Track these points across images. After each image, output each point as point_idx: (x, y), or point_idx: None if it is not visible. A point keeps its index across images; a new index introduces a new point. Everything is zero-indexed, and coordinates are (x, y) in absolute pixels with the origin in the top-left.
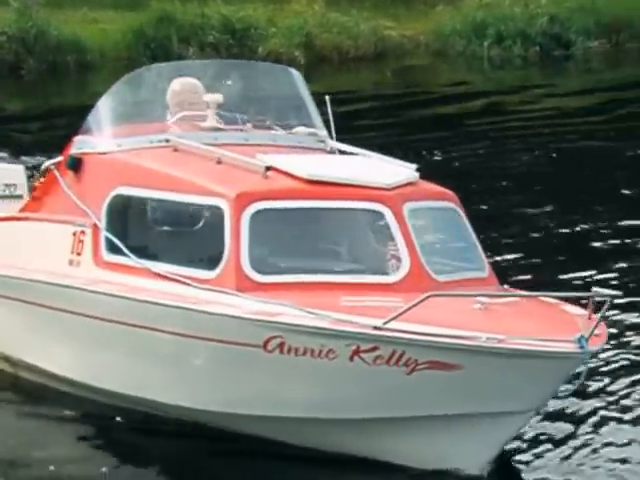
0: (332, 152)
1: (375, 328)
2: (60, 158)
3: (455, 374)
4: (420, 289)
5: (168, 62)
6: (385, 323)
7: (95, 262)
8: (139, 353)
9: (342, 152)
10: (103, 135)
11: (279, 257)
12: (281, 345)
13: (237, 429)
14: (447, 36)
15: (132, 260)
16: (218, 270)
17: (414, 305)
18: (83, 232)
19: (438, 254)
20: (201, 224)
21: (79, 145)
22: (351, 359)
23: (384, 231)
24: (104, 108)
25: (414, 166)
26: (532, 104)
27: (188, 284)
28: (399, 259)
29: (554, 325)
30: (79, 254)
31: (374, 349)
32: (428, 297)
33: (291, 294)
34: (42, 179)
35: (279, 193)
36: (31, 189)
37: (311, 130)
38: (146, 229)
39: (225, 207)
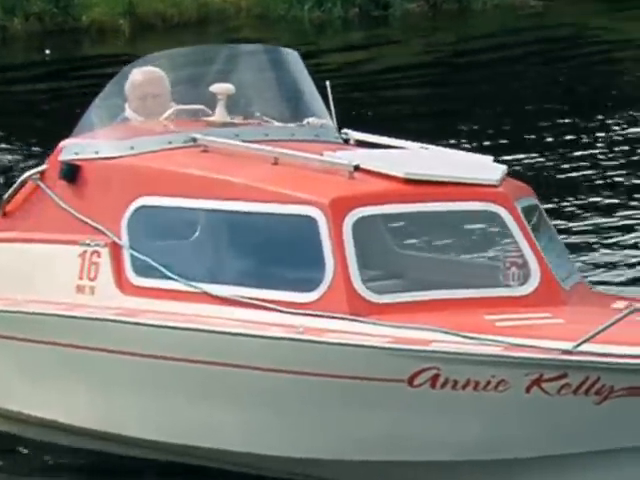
0: (351, 144)
1: (564, 352)
2: (43, 167)
3: None
4: (554, 301)
5: (161, 51)
6: (577, 346)
7: (120, 287)
8: (213, 396)
9: (360, 143)
10: (106, 137)
11: (391, 272)
12: (434, 378)
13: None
14: (269, 1)
15: (177, 282)
16: (319, 291)
17: (615, 322)
18: (96, 253)
19: (550, 258)
20: (282, 238)
21: (72, 150)
22: (528, 390)
23: (500, 235)
24: (104, 106)
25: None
26: (353, 65)
27: (275, 309)
28: (520, 266)
29: None
30: (92, 279)
31: (561, 377)
32: (630, 312)
33: (417, 316)
34: (16, 192)
35: (380, 197)
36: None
37: (323, 121)
38: (192, 246)
39: (319, 216)
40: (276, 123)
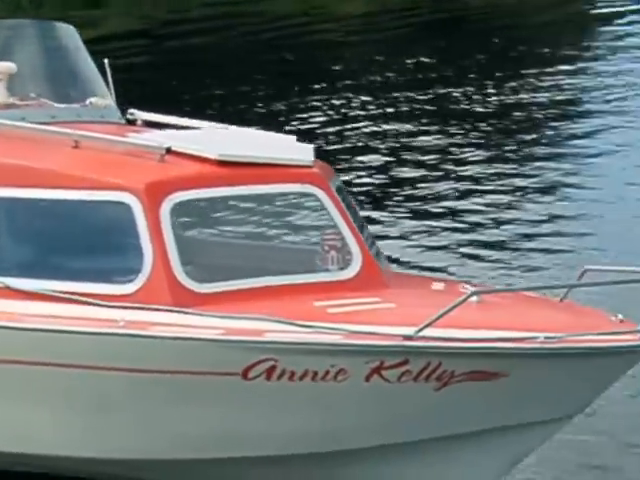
0: (139, 124)
1: (406, 338)
2: None
3: (495, 383)
4: (377, 285)
5: None
6: (418, 332)
7: None
8: (27, 397)
9: (149, 124)
10: None
11: (210, 260)
12: (269, 370)
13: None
14: None
15: None
16: (138, 282)
17: (455, 306)
18: None
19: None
20: (93, 227)
21: None
22: (367, 379)
23: (318, 217)
24: None
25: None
26: None
27: (91, 303)
28: (340, 249)
29: (592, 318)
30: None
31: (402, 364)
32: (472, 295)
33: (243, 305)
34: None
35: (198, 180)
36: None
37: (106, 102)
38: None
39: (133, 202)
40: (56, 104)
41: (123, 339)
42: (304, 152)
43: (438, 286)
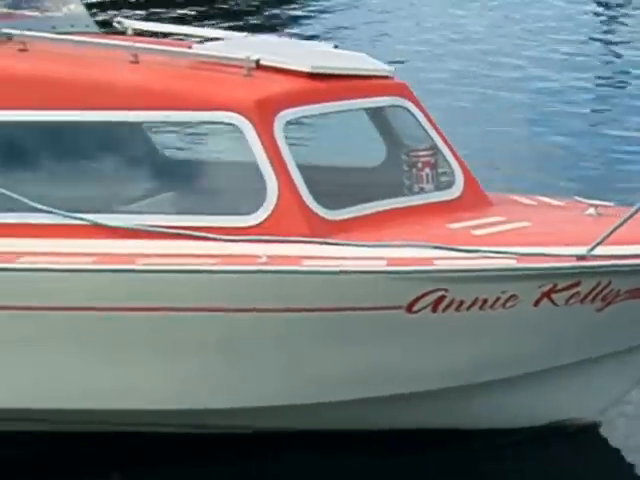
0: (129, 34)
1: (579, 258)
2: None
3: None
4: (484, 204)
5: None
6: (590, 250)
7: None
8: (139, 349)
9: (140, 34)
10: None
11: (330, 185)
12: (437, 301)
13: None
14: None
15: (51, 215)
16: (264, 211)
17: (624, 222)
18: None
19: None
20: (192, 153)
21: None
22: (536, 304)
23: (411, 132)
24: None
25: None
26: None
27: (208, 238)
28: (433, 166)
29: None
30: None
31: (574, 285)
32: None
33: (377, 231)
34: None
35: (300, 96)
36: None
37: (79, 9)
38: (62, 169)
39: (241, 123)
40: (38, 14)
41: (271, 276)
42: (375, 62)
43: (543, 202)
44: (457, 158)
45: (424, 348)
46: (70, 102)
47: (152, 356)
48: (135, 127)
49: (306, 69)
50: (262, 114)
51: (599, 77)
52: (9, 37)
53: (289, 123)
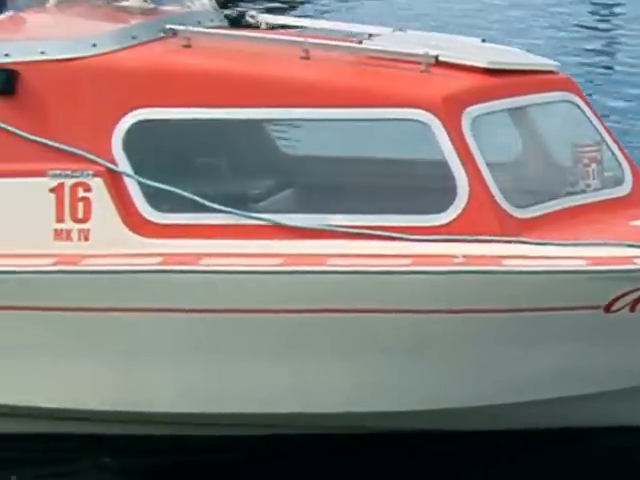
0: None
1: None
2: None
3: None
4: None
5: None
6: None
7: (132, 228)
8: (324, 350)
9: (273, 27)
10: (46, 32)
11: (513, 182)
12: (635, 302)
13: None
14: None
15: (229, 215)
16: (452, 211)
17: None
18: (82, 186)
19: None
20: (377, 152)
21: None
22: None
23: (578, 128)
24: None
25: None
26: None
27: (396, 238)
28: (599, 162)
29: None
30: (81, 220)
31: None
32: None
33: (564, 229)
34: None
35: (482, 92)
36: None
37: (214, 4)
38: (238, 167)
39: (429, 120)
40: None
41: (473, 277)
42: (540, 57)
43: None
44: (624, 153)
45: (620, 347)
46: (250, 99)
47: (338, 358)
48: (314, 125)
49: (483, 65)
50: (450, 111)
51: None
52: (174, 33)
53: (475, 120)
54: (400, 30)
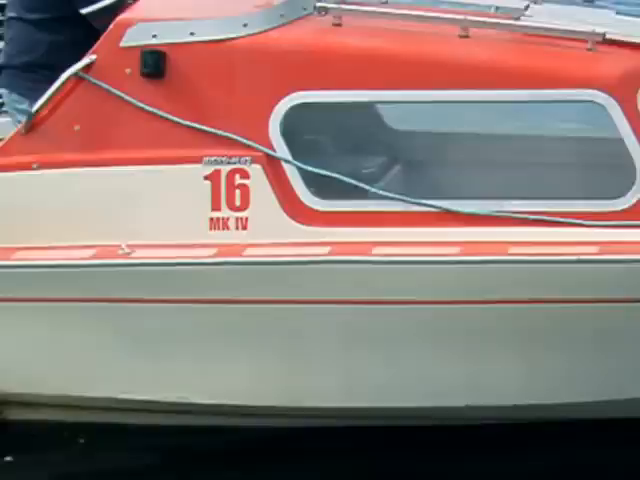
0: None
1: None
2: (88, 59)
3: None
4: None
5: None
6: None
7: (294, 216)
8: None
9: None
10: (196, 11)
11: None
12: None
13: None
14: None
15: (396, 202)
16: (631, 195)
17: None
18: (239, 172)
19: None
20: (551, 134)
21: (146, 32)
22: None
23: None
24: None
25: None
26: None
27: (574, 224)
28: None
29: None
30: (239, 208)
31: None
32: None
33: None
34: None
35: None
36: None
37: None
38: (402, 152)
39: (605, 101)
40: None
41: None
42: None
43: None
44: None
45: None
46: (412, 81)
47: (516, 350)
48: (486, 107)
49: None
50: (626, 90)
51: None
52: (325, 11)
53: None
54: (535, 3)
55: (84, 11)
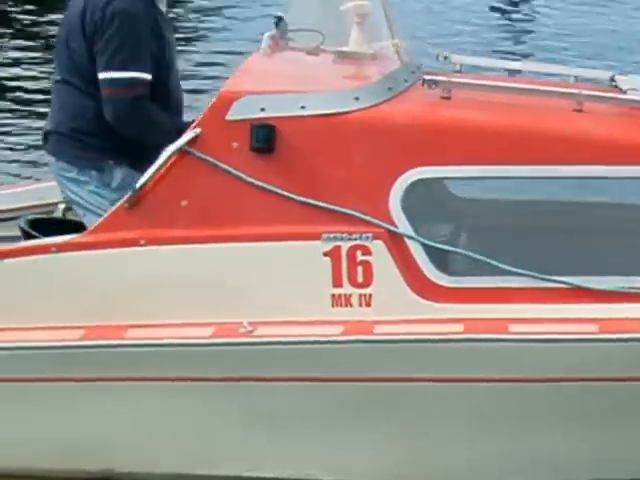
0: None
1: None
2: (193, 133)
3: None
4: None
5: None
6: None
7: (419, 293)
8: None
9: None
10: (305, 85)
11: None
12: None
13: None
14: None
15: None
16: None
17: None
18: (360, 248)
19: None
20: None
21: (254, 105)
22: None
23: None
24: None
25: None
26: None
27: None
28: None
29: None
30: (362, 285)
31: None
32: None
33: None
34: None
35: None
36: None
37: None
38: (530, 227)
39: None
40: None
41: None
42: None
43: None
44: None
45: None
46: (531, 156)
47: None
48: (610, 182)
49: None
50: None
51: None
52: (434, 83)
53: None
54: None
55: (99, 76)
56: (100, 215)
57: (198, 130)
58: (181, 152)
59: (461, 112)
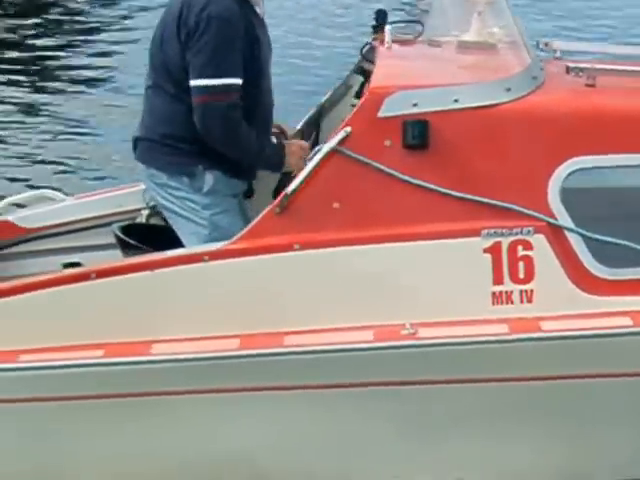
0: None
1: None
2: (343, 133)
3: None
4: None
5: None
6: None
7: (581, 286)
8: None
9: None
10: (455, 77)
11: None
12: None
13: None
14: None
15: None
16: None
17: None
18: (521, 243)
19: None
20: None
21: (406, 101)
22: None
23: None
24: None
25: None
26: None
27: None
28: None
29: None
30: (523, 281)
31: None
32: None
33: None
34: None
35: None
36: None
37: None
38: None
39: None
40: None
41: None
42: None
43: None
44: None
45: None
46: None
47: None
48: None
49: None
50: None
51: None
52: (580, 71)
53: None
54: None
55: (191, 83)
56: (192, 220)
57: (349, 129)
58: (332, 152)
59: (613, 99)
